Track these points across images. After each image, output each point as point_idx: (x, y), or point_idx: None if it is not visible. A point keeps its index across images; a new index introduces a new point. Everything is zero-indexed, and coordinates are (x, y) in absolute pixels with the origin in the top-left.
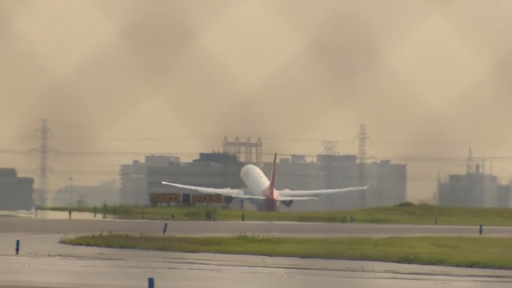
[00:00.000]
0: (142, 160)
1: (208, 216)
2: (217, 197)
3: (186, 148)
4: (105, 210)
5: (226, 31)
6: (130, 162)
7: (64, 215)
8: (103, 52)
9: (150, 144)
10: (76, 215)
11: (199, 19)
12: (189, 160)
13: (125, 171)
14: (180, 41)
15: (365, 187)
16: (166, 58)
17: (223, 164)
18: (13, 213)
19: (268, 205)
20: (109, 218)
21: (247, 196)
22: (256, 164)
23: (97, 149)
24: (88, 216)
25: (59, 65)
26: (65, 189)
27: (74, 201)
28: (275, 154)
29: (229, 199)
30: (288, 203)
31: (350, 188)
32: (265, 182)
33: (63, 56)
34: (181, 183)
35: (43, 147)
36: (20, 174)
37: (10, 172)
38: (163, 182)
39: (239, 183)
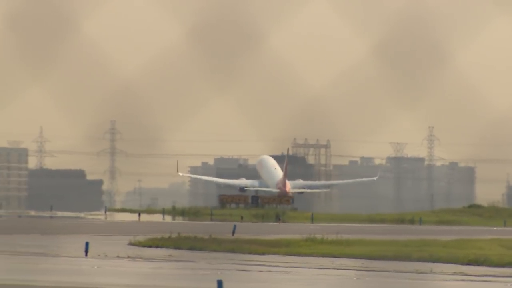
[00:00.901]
0: (211, 162)
1: (277, 218)
2: (286, 199)
3: (255, 149)
4: (174, 212)
5: (294, 33)
6: (199, 164)
7: (133, 217)
8: (171, 53)
9: (219, 146)
10: (145, 217)
11: (266, 21)
12: None
13: (194, 172)
14: (247, 43)
15: (375, 178)
16: (234, 59)
17: (291, 166)
18: (82, 215)
19: (281, 197)
20: (178, 220)
21: (262, 189)
22: (325, 166)
23: (166, 151)
24: (157, 218)
25: (127, 66)
26: (134, 191)
27: (143, 203)
28: (288, 148)
29: (243, 189)
30: (300, 193)
31: (358, 179)
32: (279, 174)
33: (131, 57)
34: (250, 185)
35: (112, 149)
36: (89, 176)
37: (80, 174)
38: (180, 173)
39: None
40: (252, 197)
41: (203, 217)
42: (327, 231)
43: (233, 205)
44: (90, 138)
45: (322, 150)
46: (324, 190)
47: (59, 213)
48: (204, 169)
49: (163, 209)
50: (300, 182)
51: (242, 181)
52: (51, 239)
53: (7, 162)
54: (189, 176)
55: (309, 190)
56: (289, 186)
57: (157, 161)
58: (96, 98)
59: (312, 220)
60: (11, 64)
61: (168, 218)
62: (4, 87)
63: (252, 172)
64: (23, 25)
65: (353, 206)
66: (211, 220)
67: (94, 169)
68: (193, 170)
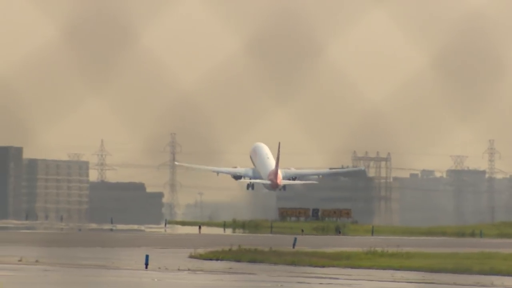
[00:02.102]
0: None
1: (338, 231)
2: (346, 212)
3: (315, 162)
4: (235, 224)
5: (353, 46)
6: None
7: (193, 229)
8: (231, 65)
9: (279, 159)
10: (205, 230)
11: (325, 34)
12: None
13: (255, 186)
14: (307, 55)
15: (362, 168)
16: (293, 72)
17: (352, 179)
18: (142, 227)
19: (272, 187)
20: (239, 232)
21: (255, 181)
22: (386, 179)
23: (227, 164)
24: (217, 230)
25: (187, 79)
26: (195, 204)
27: (203, 215)
28: (279, 143)
29: (238, 177)
30: (292, 180)
31: (348, 169)
32: (271, 163)
33: (191, 69)
34: (311, 198)
35: (173, 162)
36: (149, 189)
37: (140, 187)
38: (176, 163)
39: (369, 198)
40: (313, 210)
41: (263, 230)
42: (388, 244)
43: (293, 218)
44: (151, 151)
45: (383, 163)
46: (314, 182)
47: (120, 226)
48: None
49: (224, 222)
50: (293, 170)
51: (237, 169)
52: (111, 252)
53: (68, 175)
54: (186, 167)
55: (298, 182)
56: (281, 177)
57: (215, 174)
58: (156, 111)
59: (373, 233)
60: (71, 76)
61: (228, 231)
62: (65, 100)
63: (312, 184)
64: (83, 37)
65: (413, 219)
66: (271, 233)
67: (154, 182)
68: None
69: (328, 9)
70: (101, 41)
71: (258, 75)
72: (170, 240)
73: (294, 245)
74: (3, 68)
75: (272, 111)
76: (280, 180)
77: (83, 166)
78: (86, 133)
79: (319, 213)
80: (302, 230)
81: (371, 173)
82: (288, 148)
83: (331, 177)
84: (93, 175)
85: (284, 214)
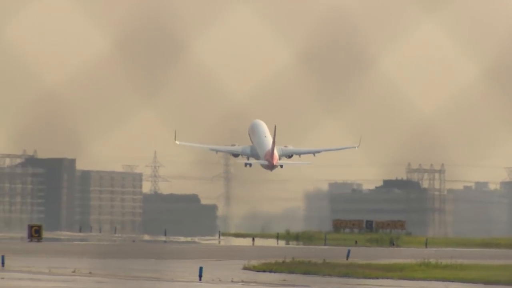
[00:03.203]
0: (325, 186)
1: (391, 243)
2: (400, 223)
3: (369, 174)
4: (288, 236)
5: (404, 56)
6: (312, 189)
7: (247, 241)
8: (282, 76)
9: (333, 170)
10: (259, 241)
11: (375, 45)
12: (372, 187)
13: (308, 197)
14: (358, 66)
15: (356, 146)
16: (345, 83)
17: (406, 191)
18: (196, 239)
19: (269, 167)
20: (292, 244)
21: (253, 161)
22: (439, 191)
23: (280, 176)
24: (271, 242)
25: (239, 91)
26: (249, 216)
27: (257, 227)
28: (275, 126)
29: (236, 155)
30: (289, 157)
31: (343, 147)
32: (268, 142)
33: (243, 81)
34: (364, 210)
35: (226, 174)
36: (203, 201)
37: (194, 199)
38: (177, 142)
39: (423, 210)
40: (366, 221)
41: (317, 242)
42: (441, 256)
43: (347, 230)
44: (204, 163)
45: (436, 175)
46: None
47: (173, 238)
48: (319, 194)
49: (277, 233)
50: (289, 148)
51: (235, 147)
52: (165, 263)
53: (122, 187)
54: (186, 145)
55: (291, 162)
56: (277, 158)
57: (271, 185)
58: (210, 122)
59: (426, 244)
60: (125, 87)
61: (282, 243)
62: (118, 111)
63: (366, 196)
64: (136, 48)
65: (467, 231)
66: (325, 244)
67: (208, 194)
68: (308, 195)
69: (379, 20)
70: (154, 51)
71: (311, 86)
72: (224, 252)
73: (347, 256)
74: (56, 79)
75: (324, 121)
76: (277, 161)
77: (136, 178)
78: (140, 144)
79: (373, 225)
80: (356, 242)
81: (425, 185)
82: (342, 160)
83: (385, 189)
84: (147, 187)
85: (338, 225)
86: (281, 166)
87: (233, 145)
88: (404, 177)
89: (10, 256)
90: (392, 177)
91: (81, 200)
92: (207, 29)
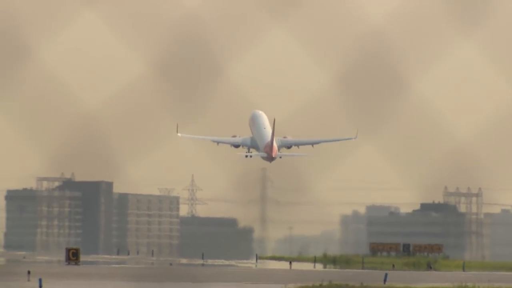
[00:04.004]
0: (362, 210)
1: (429, 266)
2: (437, 247)
3: (407, 198)
4: (325, 259)
5: (441, 78)
6: (350, 212)
7: (284, 264)
8: (316, 98)
9: (370, 194)
10: (296, 265)
11: (413, 66)
12: (410, 210)
13: (345, 220)
14: (395, 87)
15: (354, 138)
16: (382, 105)
17: (443, 215)
18: (233, 262)
19: (268, 159)
20: (329, 267)
21: (253, 153)
22: (477, 215)
23: (317, 199)
24: (308, 265)
25: (273, 112)
26: (285, 239)
27: (294, 250)
28: (274, 119)
29: (236, 146)
30: (288, 148)
31: (341, 138)
32: (268, 134)
33: (277, 104)
34: (401, 233)
35: (263, 197)
36: (240, 224)
37: (231, 222)
38: (179, 134)
39: (460, 234)
40: (404, 245)
41: (354, 265)
42: (479, 279)
43: (384, 253)
44: (242, 187)
45: (474, 199)
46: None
47: (210, 261)
48: (356, 217)
49: (314, 256)
50: (289, 139)
51: (235, 139)
52: (202, 287)
53: (159, 210)
54: (188, 138)
55: (288, 154)
56: (276, 150)
57: (308, 208)
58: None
59: (464, 268)
60: (161, 110)
61: (319, 266)
62: (155, 134)
63: (403, 219)
64: (172, 72)
65: (504, 254)
66: (362, 268)
67: (245, 217)
68: (344, 218)
69: (416, 41)
70: (190, 75)
71: (346, 108)
72: (261, 276)
73: (385, 280)
74: (93, 102)
75: (361, 144)
76: (275, 153)
77: (174, 201)
78: (177, 167)
79: (411, 248)
80: (393, 266)
81: (462, 208)
82: (379, 183)
83: (422, 213)
84: (184, 210)
85: (375, 249)
86: (280, 157)
87: (234, 136)
88: (441, 201)
89: (47, 280)
90: (429, 200)
91: (118, 223)
92: (241, 52)
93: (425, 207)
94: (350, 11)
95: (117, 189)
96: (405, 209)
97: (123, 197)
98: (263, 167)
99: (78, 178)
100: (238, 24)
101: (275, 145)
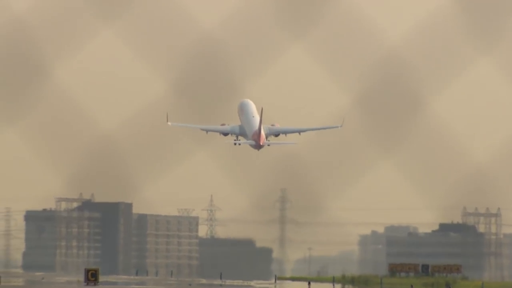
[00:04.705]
0: (381, 230)
1: (447, 287)
2: (456, 267)
3: (425, 218)
4: (344, 280)
5: (460, 99)
6: (368, 232)
7: (303, 285)
8: (335, 116)
9: (389, 214)
10: (315, 285)
11: (428, 86)
12: (428, 231)
13: (364, 241)
14: (413, 109)
15: (339, 126)
16: (401, 125)
17: (462, 235)
18: (252, 283)
19: (256, 147)
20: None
21: (241, 142)
22: (496, 235)
23: (336, 219)
24: (327, 286)
25: (292, 137)
26: (304, 259)
27: (313, 271)
28: (261, 108)
29: (225, 134)
30: (275, 136)
31: (326, 126)
32: (256, 122)
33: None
34: (420, 254)
35: (282, 218)
36: (259, 244)
37: (249, 243)
38: (169, 123)
39: (479, 254)
40: (422, 265)
41: (373, 286)
42: None
43: (403, 274)
44: (260, 207)
45: (492, 219)
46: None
47: (229, 282)
48: (374, 237)
49: (333, 277)
50: (276, 127)
51: (224, 127)
52: None
53: (178, 230)
54: (178, 126)
55: (276, 143)
56: (264, 138)
57: (326, 229)
58: (265, 168)
59: None
60: (179, 132)
61: (338, 286)
62: (174, 155)
63: (422, 240)
64: (188, 92)
65: None
66: None
67: (263, 237)
68: (363, 238)
69: (434, 62)
70: (209, 93)
71: (366, 128)
72: None
73: None
74: (112, 124)
75: (380, 164)
76: (263, 141)
77: (193, 222)
78: (196, 187)
79: (429, 269)
80: (412, 286)
81: (481, 228)
82: (397, 203)
83: (441, 233)
84: (203, 231)
85: (393, 269)
86: (268, 145)
87: (223, 124)
88: (460, 221)
89: None
90: (448, 220)
91: (137, 244)
92: (258, 71)
93: (444, 227)
94: (367, 31)
95: (137, 209)
96: (423, 230)
97: (142, 217)
98: (283, 188)
99: (97, 199)
100: (256, 43)
101: (262, 133)
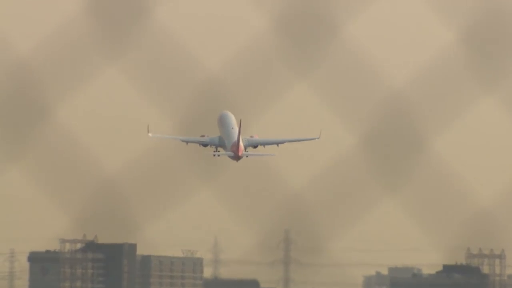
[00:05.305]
0: (385, 271)
1: None
2: None
3: (429, 259)
4: None
5: (463, 140)
6: (373, 273)
7: None
8: (346, 161)
9: (393, 255)
10: None
11: (432, 126)
12: (432, 272)
13: (368, 282)
14: (414, 148)
15: (317, 138)
16: (403, 165)
17: (466, 276)
18: None
19: (235, 158)
20: None
21: (220, 153)
22: (500, 276)
23: (340, 260)
24: None
25: (297, 179)
26: None
27: None
28: (240, 120)
29: (205, 145)
30: (254, 147)
31: (305, 138)
32: (235, 134)
33: (303, 171)
34: (210, 142)
35: (286, 258)
36: (263, 285)
37: (253, 284)
38: (150, 134)
39: None
40: None
41: None
42: None
43: None
44: (264, 247)
45: (497, 260)
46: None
47: None
48: (378, 278)
49: None
50: (255, 138)
51: (204, 138)
52: None
53: (182, 271)
54: (159, 137)
55: (254, 154)
56: (242, 149)
57: (330, 270)
58: (270, 208)
59: None
60: (183, 171)
61: None
62: (180, 196)
63: (426, 281)
64: (194, 130)
65: None
66: None
67: (268, 278)
68: (367, 279)
69: (437, 100)
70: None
71: (371, 169)
72: None
73: None
74: (115, 165)
75: (384, 205)
76: (242, 152)
77: (197, 263)
78: (199, 228)
79: None
80: None
81: (486, 270)
82: (402, 244)
83: (445, 274)
84: (207, 272)
85: None
86: (247, 156)
87: (203, 136)
88: (464, 262)
89: None
90: (452, 262)
91: (141, 285)
92: (262, 109)
93: (448, 268)
94: (371, 70)
95: (140, 251)
96: (428, 271)
97: (146, 259)
98: (286, 229)
99: (101, 240)
100: (259, 80)
101: (241, 144)
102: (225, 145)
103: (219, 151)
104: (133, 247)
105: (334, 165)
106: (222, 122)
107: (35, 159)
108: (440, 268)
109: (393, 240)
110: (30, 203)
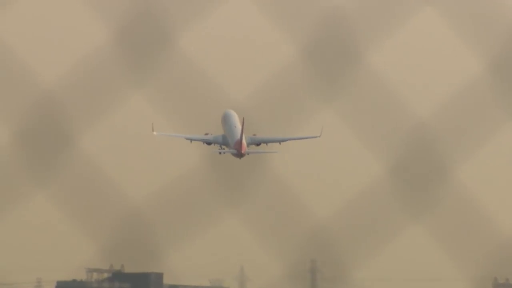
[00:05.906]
0: None
1: None
2: None
3: None
4: None
5: (487, 167)
6: None
7: None
8: (367, 193)
9: (418, 285)
10: None
11: (454, 153)
12: None
13: None
14: (440, 177)
15: (318, 136)
16: (426, 193)
17: None
18: None
19: (238, 156)
20: None
21: (224, 150)
22: None
23: None
24: None
25: (324, 207)
26: None
27: None
28: (243, 118)
29: (209, 143)
30: (257, 145)
31: (305, 136)
32: (238, 132)
33: (327, 200)
34: (213, 140)
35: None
36: None
37: None
38: (155, 133)
39: None
40: None
41: None
42: None
43: None
44: (291, 277)
45: None
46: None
47: None
48: None
49: None
50: (257, 136)
51: (208, 136)
52: None
53: None
54: (164, 135)
55: (256, 151)
56: (245, 147)
57: None
58: (296, 236)
59: None
60: (208, 200)
61: None
62: (205, 224)
63: None
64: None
65: None
66: None
67: None
68: None
69: (462, 131)
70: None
71: (394, 196)
72: None
73: None
74: (142, 194)
75: (409, 234)
76: (245, 150)
77: None
78: (226, 257)
79: None
80: None
81: None
82: (425, 273)
83: None
84: None
85: None
86: (248, 154)
87: (207, 134)
88: None
89: None
90: None
91: None
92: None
93: None
94: (395, 101)
95: (167, 280)
96: None
97: None
98: (313, 259)
99: (128, 269)
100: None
101: (244, 142)
102: (228, 143)
103: (224, 149)
104: (160, 276)
105: (360, 194)
106: (226, 121)
107: (62, 188)
108: None
109: (419, 270)
110: (57, 231)
